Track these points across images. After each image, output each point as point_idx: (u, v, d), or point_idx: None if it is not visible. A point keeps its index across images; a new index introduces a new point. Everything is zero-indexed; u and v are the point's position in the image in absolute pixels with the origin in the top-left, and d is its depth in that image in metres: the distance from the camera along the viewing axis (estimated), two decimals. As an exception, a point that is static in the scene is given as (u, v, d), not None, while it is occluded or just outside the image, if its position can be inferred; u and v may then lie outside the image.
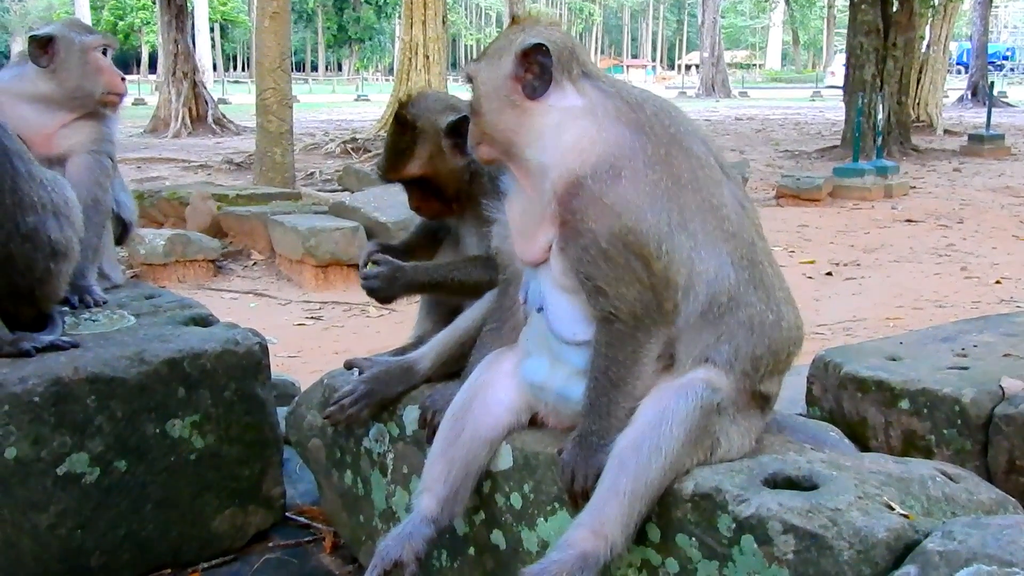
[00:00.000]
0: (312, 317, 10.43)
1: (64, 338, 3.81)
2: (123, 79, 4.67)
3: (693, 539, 2.64)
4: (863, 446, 3.92)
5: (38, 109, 4.52)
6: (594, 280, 2.74)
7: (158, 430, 3.77)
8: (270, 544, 4.10)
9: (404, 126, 3.53)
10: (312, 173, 21.61)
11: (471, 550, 3.27)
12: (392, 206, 12.02)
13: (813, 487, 2.59)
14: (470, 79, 2.97)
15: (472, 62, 3.03)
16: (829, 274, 12.02)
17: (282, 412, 4.19)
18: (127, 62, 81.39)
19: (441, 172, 3.50)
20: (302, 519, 4.25)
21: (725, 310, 2.77)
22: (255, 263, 12.82)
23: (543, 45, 2.85)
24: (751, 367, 2.81)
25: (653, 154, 2.76)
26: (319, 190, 18.22)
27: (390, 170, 3.61)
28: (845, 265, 12.54)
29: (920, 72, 31.17)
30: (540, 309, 2.95)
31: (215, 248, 12.50)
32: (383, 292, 3.58)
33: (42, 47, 4.50)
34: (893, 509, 2.47)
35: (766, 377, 2.88)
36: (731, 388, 2.79)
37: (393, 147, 3.57)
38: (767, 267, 2.91)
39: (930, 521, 2.47)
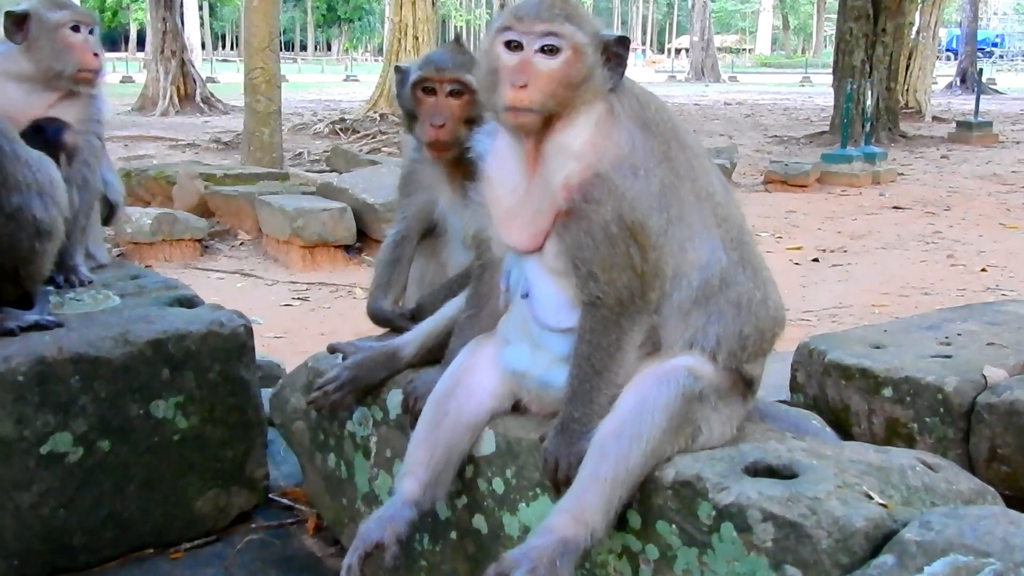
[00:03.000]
0: (299, 298, 10.41)
1: (48, 317, 3.80)
2: (96, 55, 4.53)
3: (673, 526, 2.65)
4: (846, 433, 3.94)
5: (24, 89, 4.46)
6: (588, 265, 2.78)
7: (142, 411, 3.77)
8: (253, 525, 4.11)
9: None
10: (300, 153, 21.55)
11: (453, 534, 3.28)
12: (380, 188, 11.99)
13: (793, 476, 2.60)
14: (556, 34, 2.80)
15: (565, 18, 2.83)
16: (816, 260, 12.05)
17: (267, 394, 4.19)
18: (115, 39, 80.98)
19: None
20: (285, 501, 4.26)
21: (716, 291, 2.84)
22: (242, 243, 12.79)
23: (628, 40, 2.91)
24: (738, 346, 2.86)
25: (659, 151, 2.83)
26: (307, 171, 18.19)
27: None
28: (832, 251, 12.57)
29: (909, 58, 31.17)
30: (525, 296, 2.95)
31: (202, 228, 12.46)
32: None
33: (17, 24, 4.44)
34: (872, 498, 2.49)
35: (751, 358, 2.92)
36: (714, 374, 2.83)
37: None
38: (753, 248, 3.00)
39: (908, 511, 2.49)
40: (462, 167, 3.47)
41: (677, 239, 2.80)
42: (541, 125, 2.83)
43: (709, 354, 2.82)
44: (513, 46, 2.82)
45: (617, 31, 3.01)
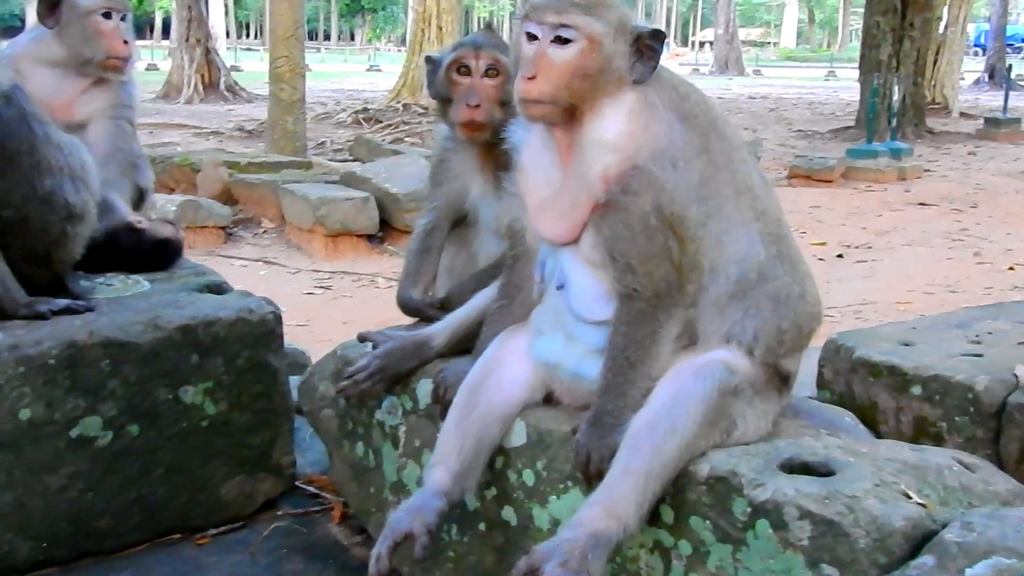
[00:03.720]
0: (321, 287, 10.43)
1: (79, 302, 3.81)
2: (126, 42, 4.54)
3: (707, 522, 2.63)
4: (874, 431, 3.90)
5: (56, 75, 4.47)
6: (626, 257, 2.77)
7: (170, 396, 3.78)
8: (279, 512, 4.11)
9: None
10: (323, 142, 21.57)
11: (481, 525, 3.26)
12: (402, 177, 12.02)
13: (829, 473, 2.58)
14: (568, 25, 2.78)
15: (581, 9, 2.80)
16: (840, 256, 11.98)
17: (293, 381, 4.19)
18: (140, 27, 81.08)
19: None
20: (311, 488, 4.25)
21: (753, 285, 2.82)
22: (265, 231, 12.81)
23: (663, 34, 2.88)
24: (775, 341, 2.84)
25: (698, 144, 2.81)
26: (330, 160, 18.20)
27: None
28: (856, 248, 12.50)
29: (937, 53, 30.88)
30: (560, 287, 2.94)
31: (226, 215, 12.50)
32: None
33: (50, 9, 4.44)
34: (910, 498, 2.47)
35: (788, 353, 2.91)
36: (751, 368, 2.81)
37: None
38: (791, 242, 2.98)
39: (947, 511, 2.46)
40: (494, 156, 3.48)
41: (715, 232, 2.79)
42: (566, 116, 2.82)
43: (746, 348, 2.80)
44: (531, 37, 2.82)
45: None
